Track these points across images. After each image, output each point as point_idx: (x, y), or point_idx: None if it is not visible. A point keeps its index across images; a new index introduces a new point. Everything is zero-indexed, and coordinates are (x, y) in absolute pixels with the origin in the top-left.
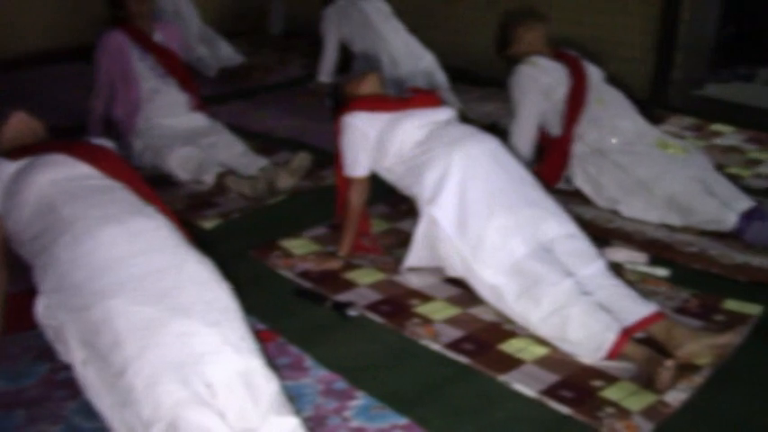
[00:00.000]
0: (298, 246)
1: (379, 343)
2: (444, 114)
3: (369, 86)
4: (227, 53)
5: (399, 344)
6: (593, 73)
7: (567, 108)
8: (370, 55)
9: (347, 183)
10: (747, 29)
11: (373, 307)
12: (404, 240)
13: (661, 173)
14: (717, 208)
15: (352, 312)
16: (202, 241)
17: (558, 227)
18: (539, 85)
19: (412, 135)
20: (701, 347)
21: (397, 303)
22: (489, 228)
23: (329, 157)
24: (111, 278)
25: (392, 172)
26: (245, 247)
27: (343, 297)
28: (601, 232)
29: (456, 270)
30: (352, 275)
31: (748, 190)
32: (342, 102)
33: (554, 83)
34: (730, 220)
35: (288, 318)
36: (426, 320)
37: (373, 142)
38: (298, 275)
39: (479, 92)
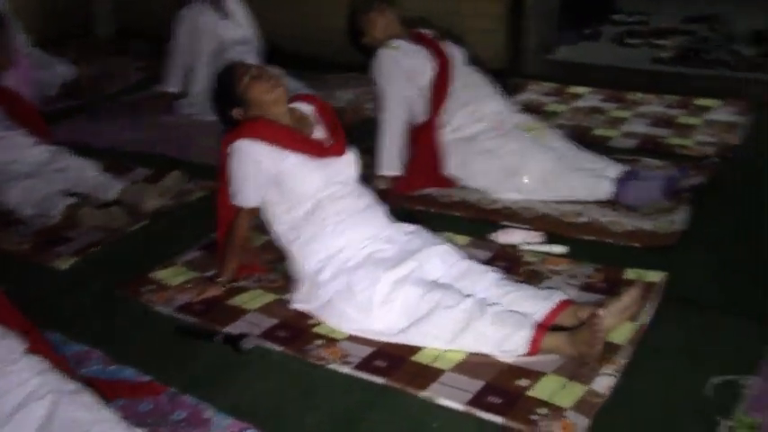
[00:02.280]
0: (172, 275)
1: (284, 375)
2: (349, 170)
3: (279, 104)
4: (62, 71)
5: (306, 373)
6: (457, 55)
7: (432, 93)
8: (211, 74)
9: (233, 207)
10: None
11: (269, 334)
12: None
13: (527, 157)
14: (588, 179)
15: (246, 345)
16: (58, 285)
17: (442, 264)
18: (402, 69)
19: (314, 194)
20: (611, 317)
21: (294, 326)
22: (378, 292)
23: (190, 168)
24: None
25: (275, 221)
26: (111, 285)
27: (233, 328)
28: (489, 214)
29: (350, 327)
30: (238, 301)
31: (619, 150)
32: (238, 118)
33: (418, 67)
34: (604, 187)
35: (175, 362)
36: (330, 341)
37: (270, 178)
38: (177, 310)
39: (338, 78)
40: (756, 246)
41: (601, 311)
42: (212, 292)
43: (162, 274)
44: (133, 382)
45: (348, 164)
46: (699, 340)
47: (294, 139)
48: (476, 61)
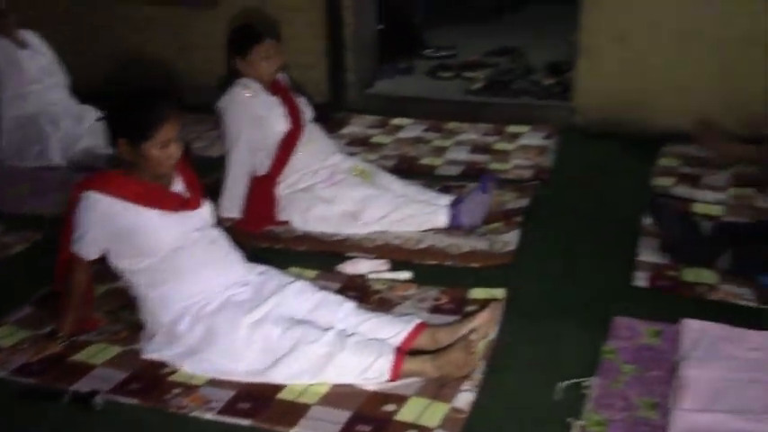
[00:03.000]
0: (3, 336)
1: (144, 429)
2: (205, 219)
3: (163, 174)
4: None
5: (167, 424)
6: (307, 115)
7: (278, 152)
8: (21, 114)
9: (73, 256)
10: (395, 25)
11: (121, 388)
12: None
13: (366, 202)
14: (424, 211)
15: (98, 402)
16: None
17: (298, 300)
18: (254, 116)
19: (170, 246)
20: (477, 337)
21: (148, 377)
22: (239, 335)
23: (5, 220)
24: None
25: (127, 271)
26: None
27: (81, 386)
28: (333, 246)
29: (212, 372)
30: (82, 356)
31: (446, 177)
32: (120, 151)
33: (270, 121)
34: (440, 217)
35: (19, 430)
36: (189, 387)
37: (118, 233)
38: (14, 373)
39: None
40: (580, 257)
41: (473, 335)
42: (52, 349)
43: None
44: None
45: (204, 214)
46: (542, 349)
47: (150, 195)
48: (302, 92)
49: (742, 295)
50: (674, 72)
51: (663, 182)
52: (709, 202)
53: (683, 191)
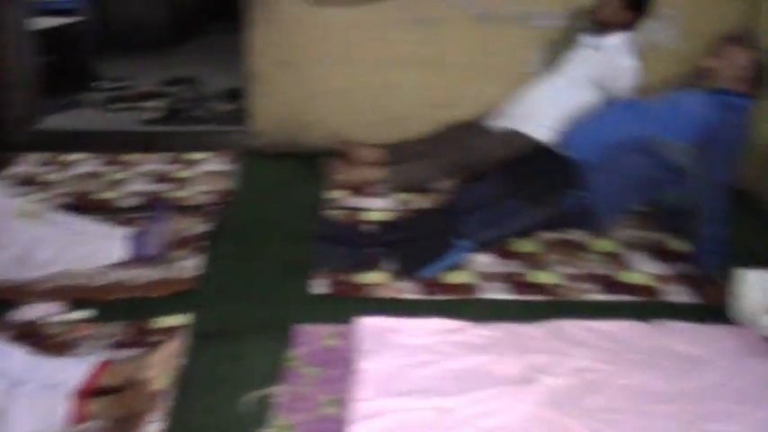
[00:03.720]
0: None
1: None
2: None
3: None
4: None
5: None
6: None
7: None
8: None
9: None
10: (63, 57)
11: None
12: None
13: (35, 243)
14: (99, 245)
15: None
16: None
17: None
18: None
19: None
20: (155, 370)
21: None
22: None
23: None
24: None
25: None
26: None
27: None
28: (6, 293)
29: None
30: None
31: (127, 210)
32: None
33: None
34: (116, 249)
35: None
36: None
37: None
38: None
39: None
40: (263, 274)
41: (157, 366)
42: None
43: None
44: None
45: None
46: (231, 367)
47: None
48: None
49: (409, 290)
50: (339, 93)
51: (334, 194)
52: (377, 209)
53: (351, 201)
